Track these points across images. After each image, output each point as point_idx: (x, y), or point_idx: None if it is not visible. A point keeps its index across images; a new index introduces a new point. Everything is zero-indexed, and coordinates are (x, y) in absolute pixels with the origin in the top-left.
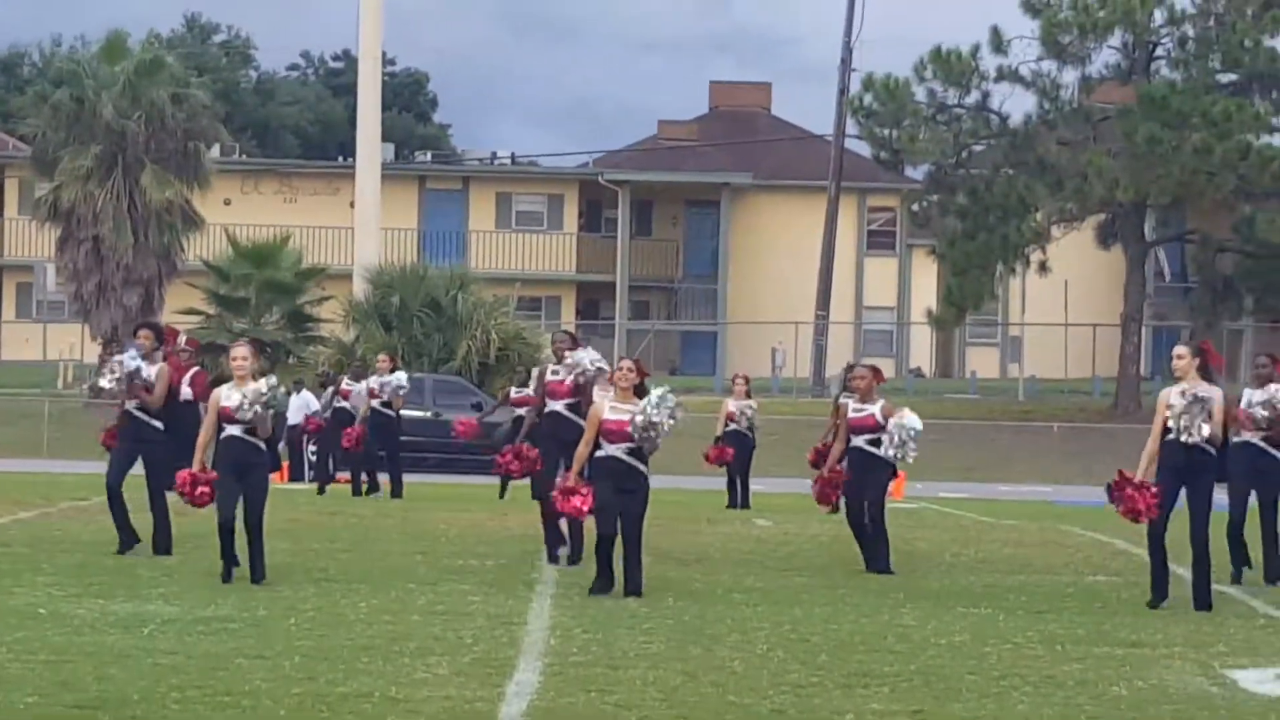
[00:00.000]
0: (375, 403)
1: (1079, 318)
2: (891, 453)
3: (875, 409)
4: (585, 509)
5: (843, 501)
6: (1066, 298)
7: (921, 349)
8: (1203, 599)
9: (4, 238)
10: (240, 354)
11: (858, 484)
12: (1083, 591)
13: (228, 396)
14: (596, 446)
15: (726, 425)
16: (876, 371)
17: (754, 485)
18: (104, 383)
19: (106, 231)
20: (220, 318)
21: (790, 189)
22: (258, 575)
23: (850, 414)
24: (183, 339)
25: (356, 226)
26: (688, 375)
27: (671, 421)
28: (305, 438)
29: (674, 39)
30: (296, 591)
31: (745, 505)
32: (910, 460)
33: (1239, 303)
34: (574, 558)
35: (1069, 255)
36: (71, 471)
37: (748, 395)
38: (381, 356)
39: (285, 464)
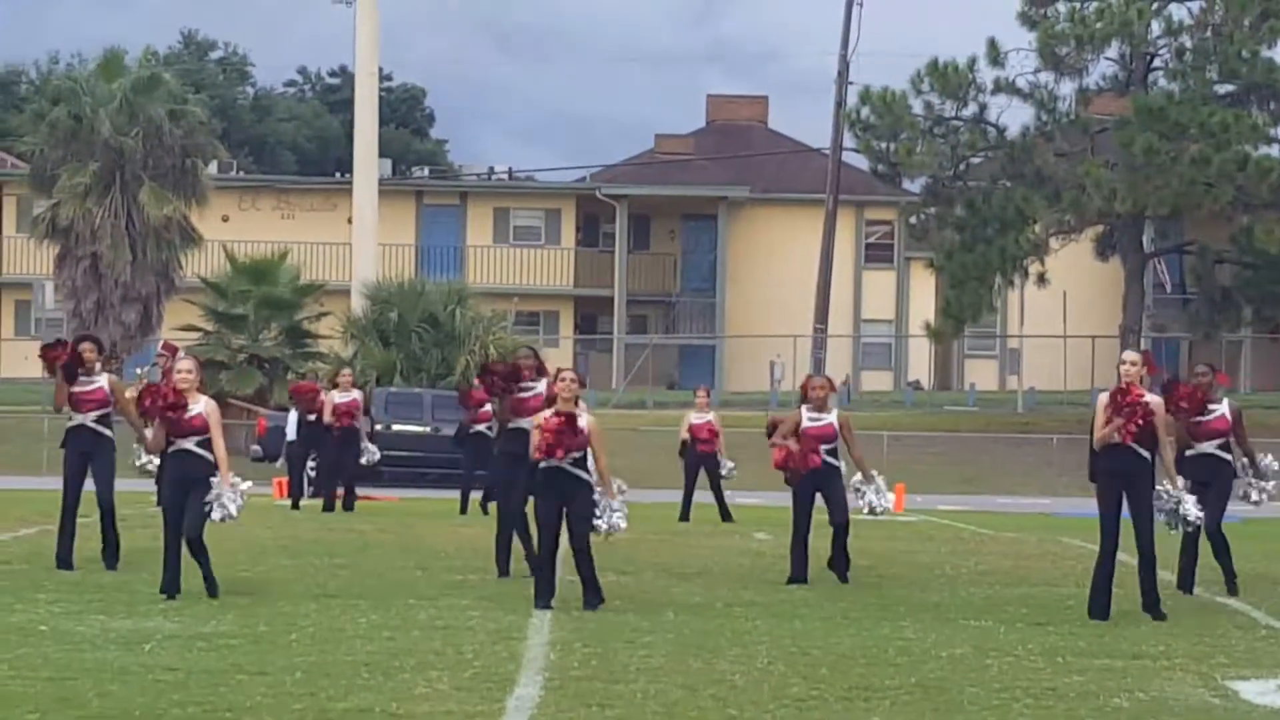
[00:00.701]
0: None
1: (1078, 329)
2: (864, 501)
3: (832, 418)
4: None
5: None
6: (1065, 309)
7: (920, 361)
8: (1151, 602)
9: (2, 255)
10: (186, 367)
11: (809, 494)
12: (1083, 603)
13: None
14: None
15: (692, 438)
16: (831, 383)
17: (751, 499)
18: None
19: (105, 249)
20: (219, 334)
21: (788, 202)
22: (211, 589)
23: (807, 423)
24: (181, 354)
25: (354, 242)
26: (686, 389)
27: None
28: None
29: (670, 53)
30: (297, 607)
31: (727, 518)
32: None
33: (1238, 314)
34: (503, 571)
35: (1067, 267)
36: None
37: (708, 408)
38: (345, 372)
39: (284, 480)
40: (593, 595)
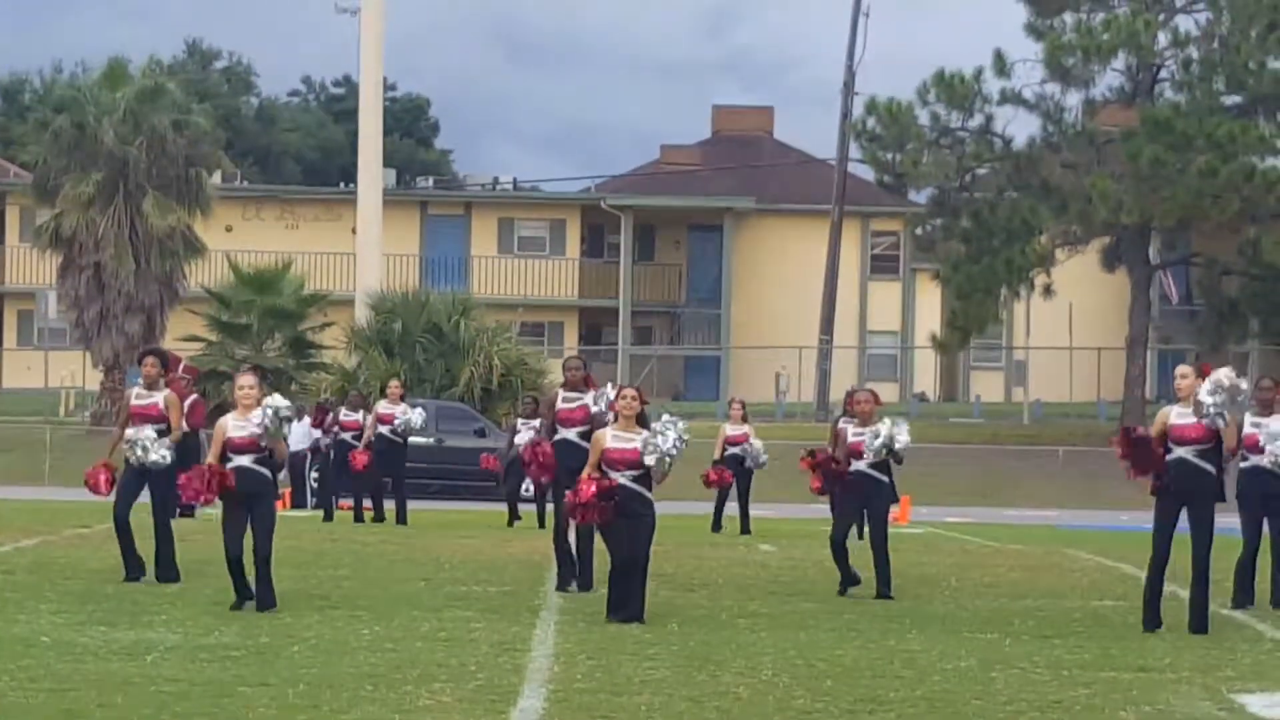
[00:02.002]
0: (385, 429)
1: (1083, 341)
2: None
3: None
4: (594, 498)
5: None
6: (1071, 321)
7: (926, 373)
8: (1200, 622)
9: (5, 265)
10: (248, 382)
11: (856, 507)
12: (1089, 616)
13: (235, 427)
14: (601, 475)
15: (724, 450)
16: (876, 396)
17: (758, 511)
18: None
19: (108, 258)
20: (222, 345)
21: (793, 213)
22: (267, 604)
23: (852, 438)
24: (181, 366)
25: (358, 252)
26: (691, 400)
27: (680, 446)
28: (309, 462)
29: (676, 64)
30: (300, 619)
31: (746, 530)
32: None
33: (1244, 326)
34: (584, 585)
35: (1073, 278)
36: (73, 499)
37: (744, 420)
38: (393, 383)
39: (288, 490)
40: (635, 612)
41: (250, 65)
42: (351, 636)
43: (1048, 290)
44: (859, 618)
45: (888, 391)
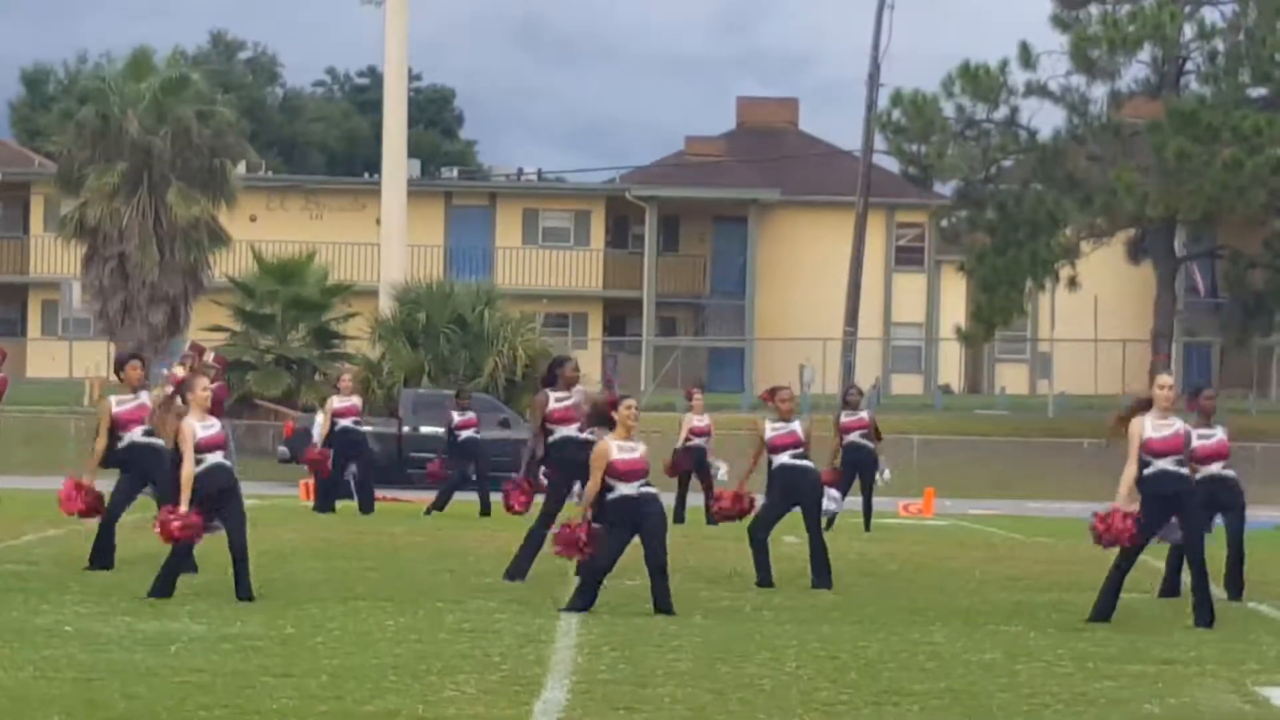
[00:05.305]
0: (348, 421)
1: (1109, 333)
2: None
3: (795, 426)
4: (585, 544)
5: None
6: (1096, 313)
7: (950, 365)
8: (1205, 615)
9: (30, 255)
10: (203, 384)
11: (790, 501)
12: (1117, 609)
13: (203, 428)
14: (608, 488)
15: (687, 440)
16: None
17: None
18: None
19: (132, 249)
20: (247, 335)
21: (818, 205)
22: (244, 592)
23: (770, 434)
24: (209, 355)
25: (383, 243)
26: (716, 392)
27: None
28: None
29: (701, 56)
30: (324, 610)
31: (712, 521)
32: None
33: (1270, 319)
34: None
35: (1099, 271)
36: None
37: (704, 411)
38: (344, 376)
39: (309, 483)
40: (663, 605)
41: (275, 56)
42: (376, 628)
43: (1073, 283)
44: (882, 610)
45: (912, 384)
